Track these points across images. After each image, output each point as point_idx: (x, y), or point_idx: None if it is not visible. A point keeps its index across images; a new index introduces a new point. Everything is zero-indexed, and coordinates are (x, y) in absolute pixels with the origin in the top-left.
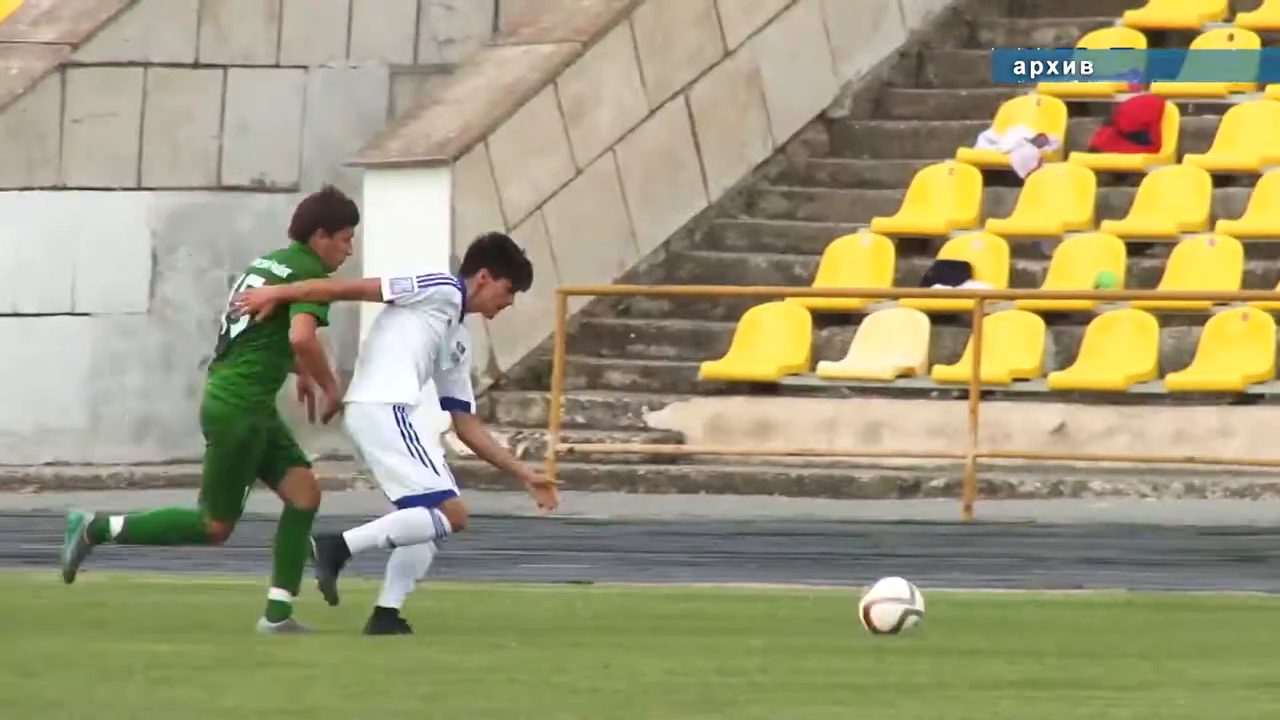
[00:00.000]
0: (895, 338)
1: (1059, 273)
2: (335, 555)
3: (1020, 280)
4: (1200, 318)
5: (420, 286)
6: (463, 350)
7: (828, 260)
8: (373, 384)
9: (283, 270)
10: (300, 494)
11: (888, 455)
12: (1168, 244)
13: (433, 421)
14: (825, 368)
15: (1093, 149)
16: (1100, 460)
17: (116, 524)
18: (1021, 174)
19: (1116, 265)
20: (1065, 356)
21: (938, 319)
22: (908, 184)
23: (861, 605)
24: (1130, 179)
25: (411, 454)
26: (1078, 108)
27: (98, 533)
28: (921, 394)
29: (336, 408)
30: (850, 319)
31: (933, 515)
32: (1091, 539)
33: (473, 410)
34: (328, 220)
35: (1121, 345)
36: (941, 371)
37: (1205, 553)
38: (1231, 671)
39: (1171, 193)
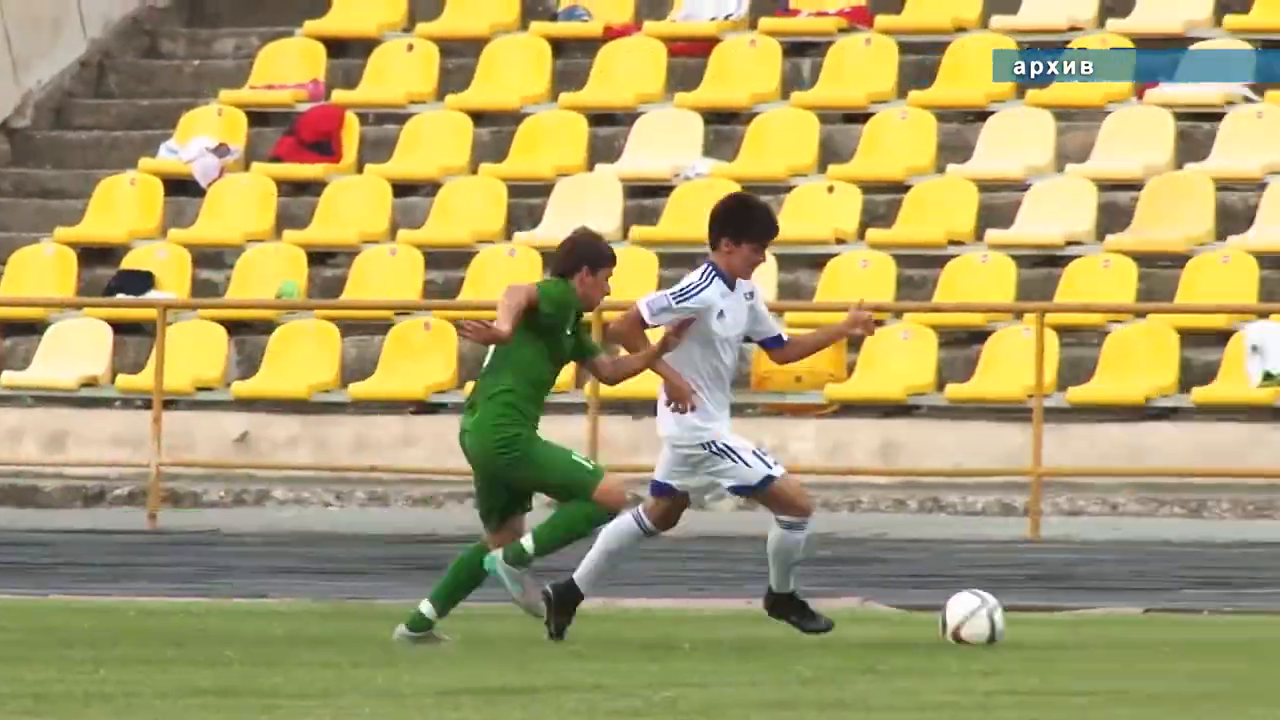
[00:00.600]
0: (79, 347)
1: (241, 282)
2: (567, 599)
3: (203, 290)
4: (382, 327)
5: (678, 302)
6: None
7: (11, 270)
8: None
9: (549, 307)
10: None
11: (72, 464)
12: (349, 253)
13: None
14: (9, 377)
15: (274, 159)
16: (283, 469)
17: (528, 544)
18: (203, 184)
19: (298, 275)
20: (249, 365)
21: (121, 328)
22: (90, 194)
23: (949, 634)
24: (312, 189)
25: (729, 458)
26: (259, 118)
27: (518, 559)
28: (106, 403)
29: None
30: (34, 328)
31: (118, 524)
32: (276, 547)
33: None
34: (592, 260)
35: (304, 354)
36: (125, 381)
37: (389, 561)
38: (418, 679)
39: (352, 202)
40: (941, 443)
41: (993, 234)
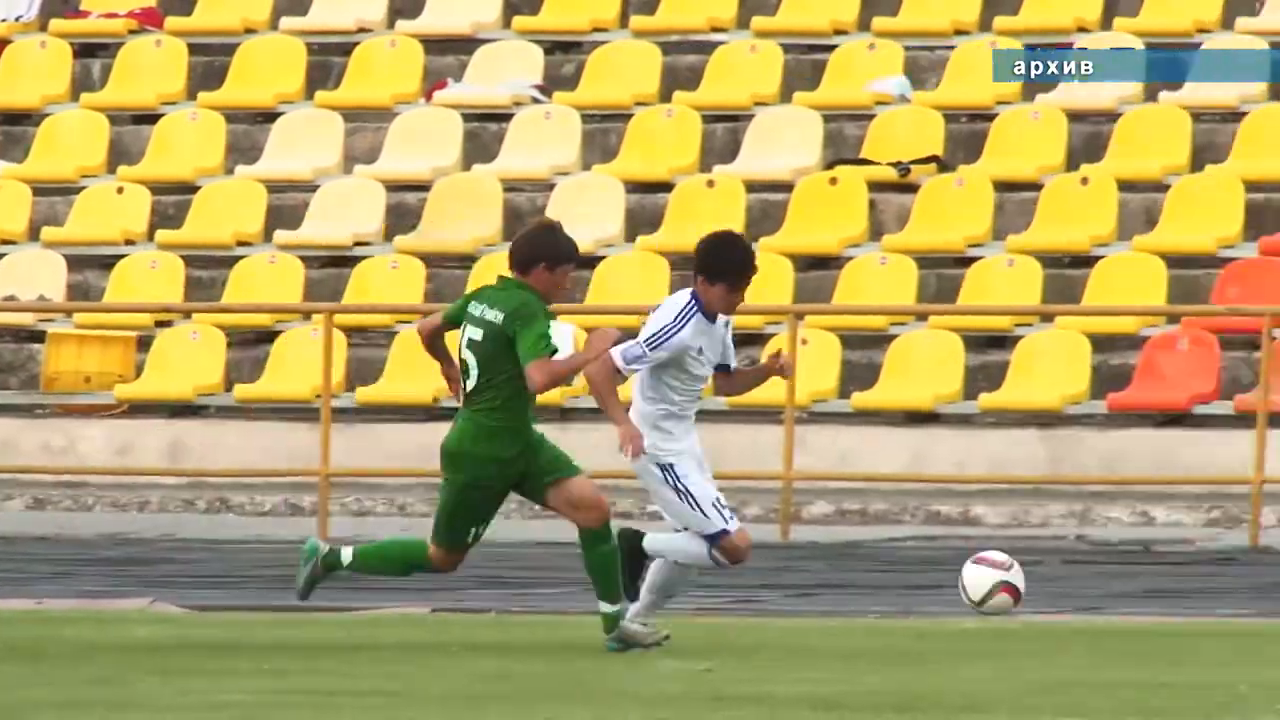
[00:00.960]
0: None
1: None
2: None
3: None
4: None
5: (652, 349)
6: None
7: None
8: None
9: (496, 315)
10: (576, 513)
11: None
12: None
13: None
14: None
15: None
16: None
17: (347, 554)
18: None
19: None
20: None
21: None
22: None
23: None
24: None
25: (686, 503)
26: None
27: (330, 564)
28: None
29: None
30: None
31: None
32: None
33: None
34: (550, 256)
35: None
36: None
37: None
38: None
39: None
40: (230, 443)
41: (281, 235)
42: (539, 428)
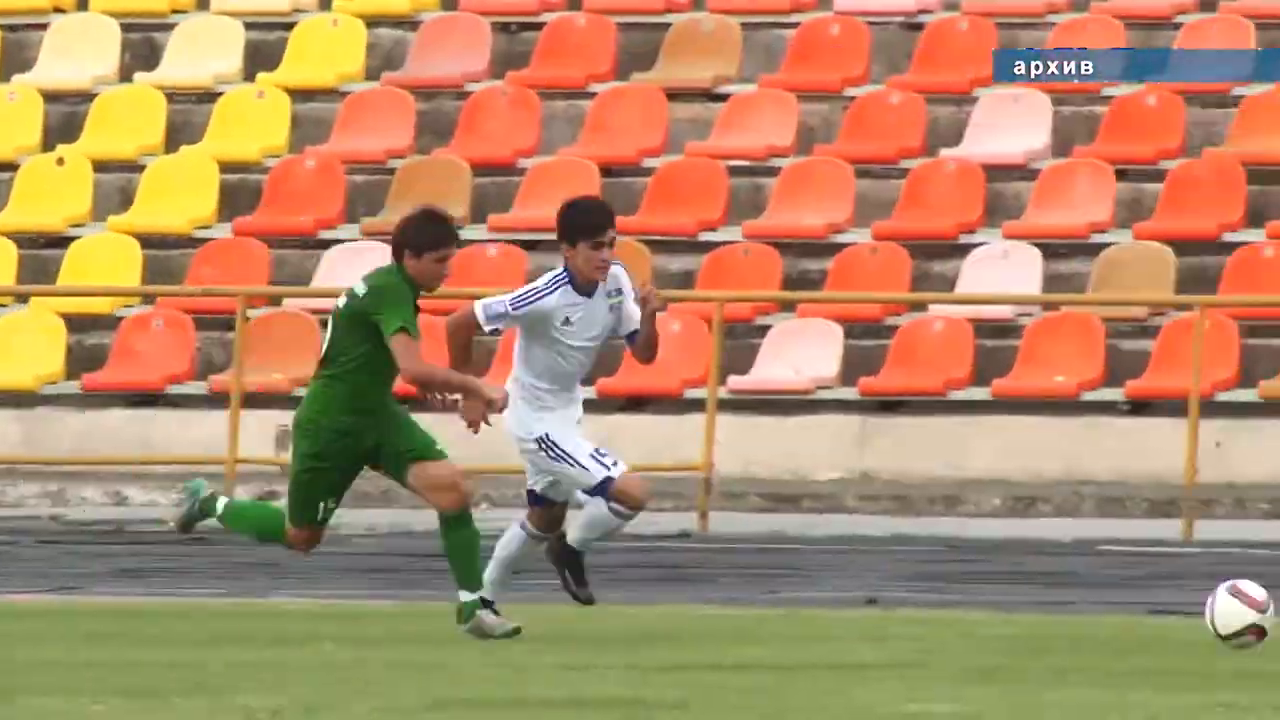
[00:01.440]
0: None
1: None
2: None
3: None
4: None
5: (515, 309)
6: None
7: None
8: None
9: (361, 288)
10: (437, 495)
11: None
12: None
13: None
14: None
15: None
16: None
17: (220, 505)
18: None
19: None
20: None
21: None
22: None
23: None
24: None
25: (565, 464)
26: None
27: (207, 508)
28: None
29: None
30: None
31: None
32: None
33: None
34: (413, 244)
35: None
36: None
37: None
38: None
39: None
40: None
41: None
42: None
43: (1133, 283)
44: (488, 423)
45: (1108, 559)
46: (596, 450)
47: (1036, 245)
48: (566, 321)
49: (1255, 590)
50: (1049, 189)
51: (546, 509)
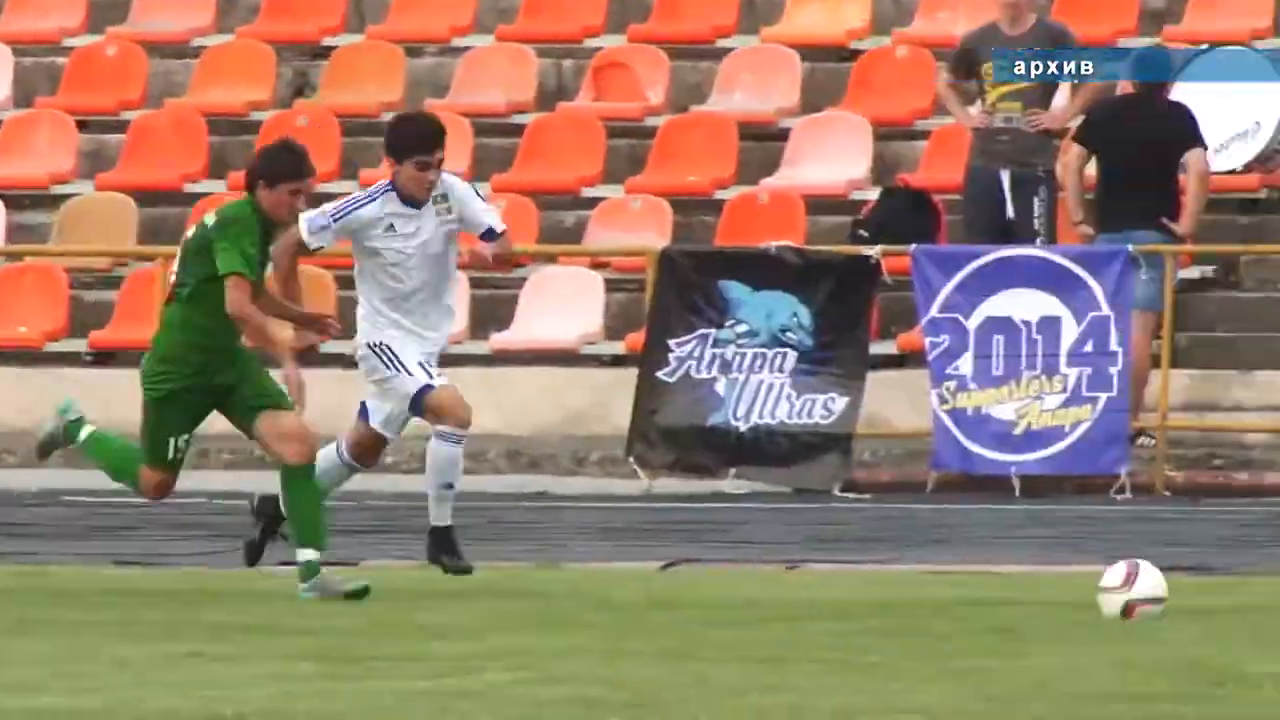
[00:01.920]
0: None
1: None
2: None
3: None
4: None
5: (336, 220)
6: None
7: None
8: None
9: (211, 218)
10: (282, 445)
11: None
12: None
13: None
14: None
15: None
16: None
17: (84, 432)
18: None
19: None
20: None
21: None
22: None
23: (1123, 602)
24: None
25: (392, 369)
26: None
27: (70, 433)
28: None
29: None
30: None
31: None
32: None
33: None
34: (267, 174)
35: None
36: None
37: None
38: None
39: None
40: None
41: None
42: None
43: (95, 234)
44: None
45: (73, 509)
46: (425, 361)
47: None
48: (391, 229)
49: (1110, 576)
50: (10, 140)
51: (368, 430)
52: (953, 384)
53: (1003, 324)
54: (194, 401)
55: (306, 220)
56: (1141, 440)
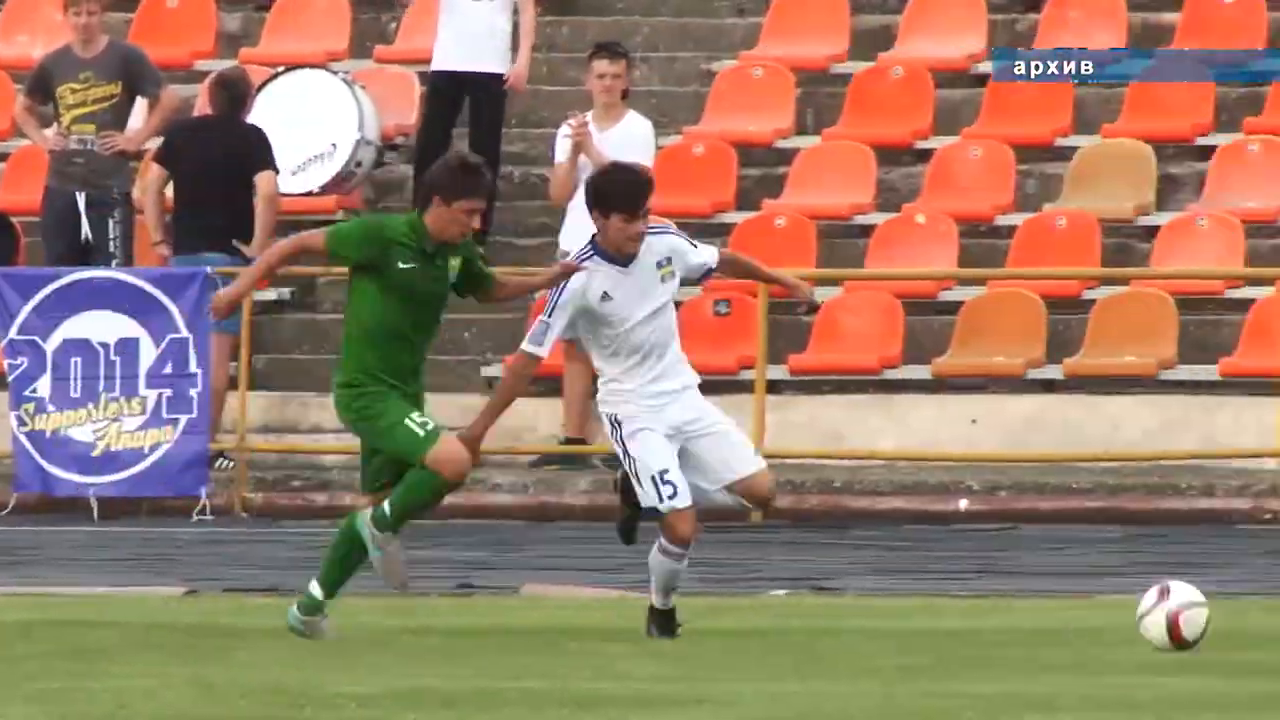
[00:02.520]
0: None
1: None
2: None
3: None
4: None
5: (552, 315)
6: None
7: None
8: None
9: None
10: (438, 466)
11: None
12: None
13: None
14: None
15: None
16: None
17: (385, 506)
18: None
19: None
20: None
21: None
22: None
23: (1165, 615)
24: None
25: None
26: None
27: (378, 520)
28: None
29: None
30: None
31: None
32: None
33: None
34: (446, 190)
35: None
36: None
37: None
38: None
39: None
40: None
41: None
42: None
43: None
44: None
45: None
46: (664, 472)
47: None
48: (607, 297)
49: (1146, 600)
50: None
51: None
52: (31, 406)
53: (81, 346)
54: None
55: (529, 338)
56: (221, 462)
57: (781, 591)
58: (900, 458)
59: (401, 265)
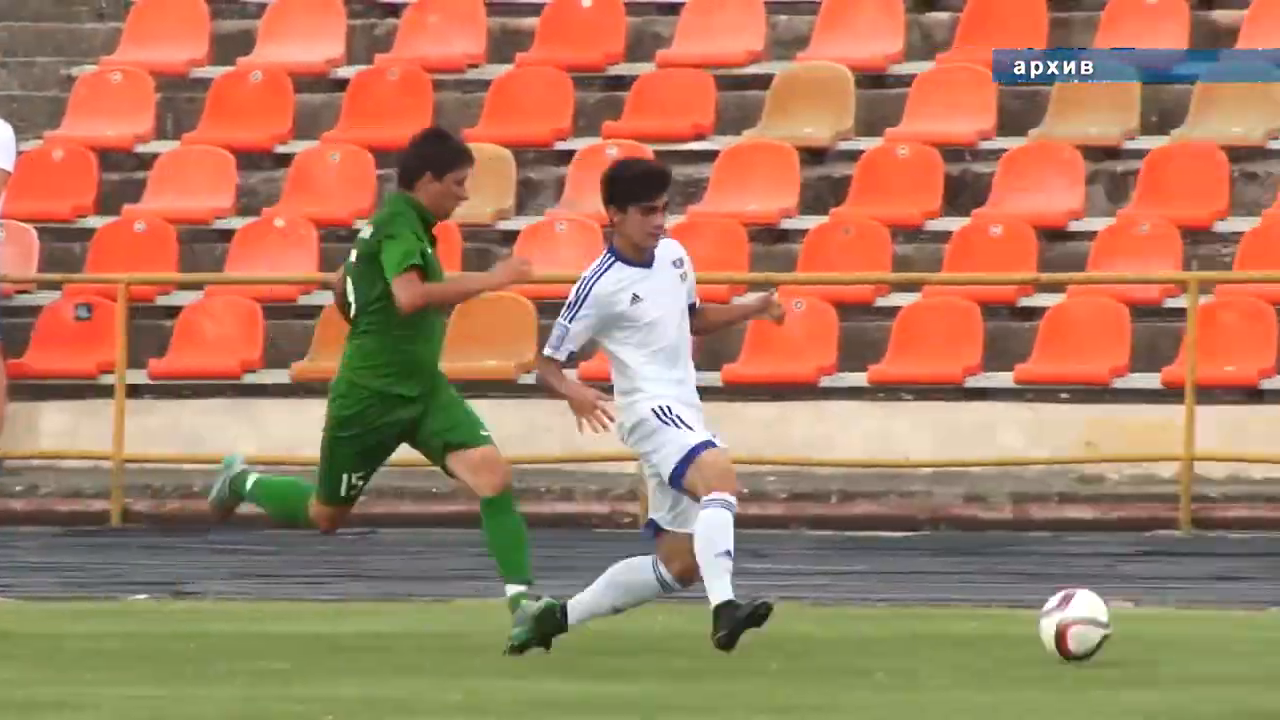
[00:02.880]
0: None
1: None
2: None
3: None
4: None
5: (572, 320)
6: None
7: None
8: None
9: (368, 230)
10: (476, 478)
11: None
12: None
13: None
14: None
15: None
16: None
17: (250, 480)
18: None
19: None
20: None
21: None
22: None
23: (1055, 624)
24: None
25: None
26: None
27: (236, 485)
28: None
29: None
30: None
31: None
32: None
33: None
34: (435, 165)
35: None
36: None
37: None
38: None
39: None
40: None
41: None
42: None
43: None
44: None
45: None
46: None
47: None
48: (637, 299)
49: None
50: None
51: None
52: None
53: None
54: (381, 438)
55: (550, 342)
56: None
57: (142, 596)
58: (261, 461)
59: (430, 250)
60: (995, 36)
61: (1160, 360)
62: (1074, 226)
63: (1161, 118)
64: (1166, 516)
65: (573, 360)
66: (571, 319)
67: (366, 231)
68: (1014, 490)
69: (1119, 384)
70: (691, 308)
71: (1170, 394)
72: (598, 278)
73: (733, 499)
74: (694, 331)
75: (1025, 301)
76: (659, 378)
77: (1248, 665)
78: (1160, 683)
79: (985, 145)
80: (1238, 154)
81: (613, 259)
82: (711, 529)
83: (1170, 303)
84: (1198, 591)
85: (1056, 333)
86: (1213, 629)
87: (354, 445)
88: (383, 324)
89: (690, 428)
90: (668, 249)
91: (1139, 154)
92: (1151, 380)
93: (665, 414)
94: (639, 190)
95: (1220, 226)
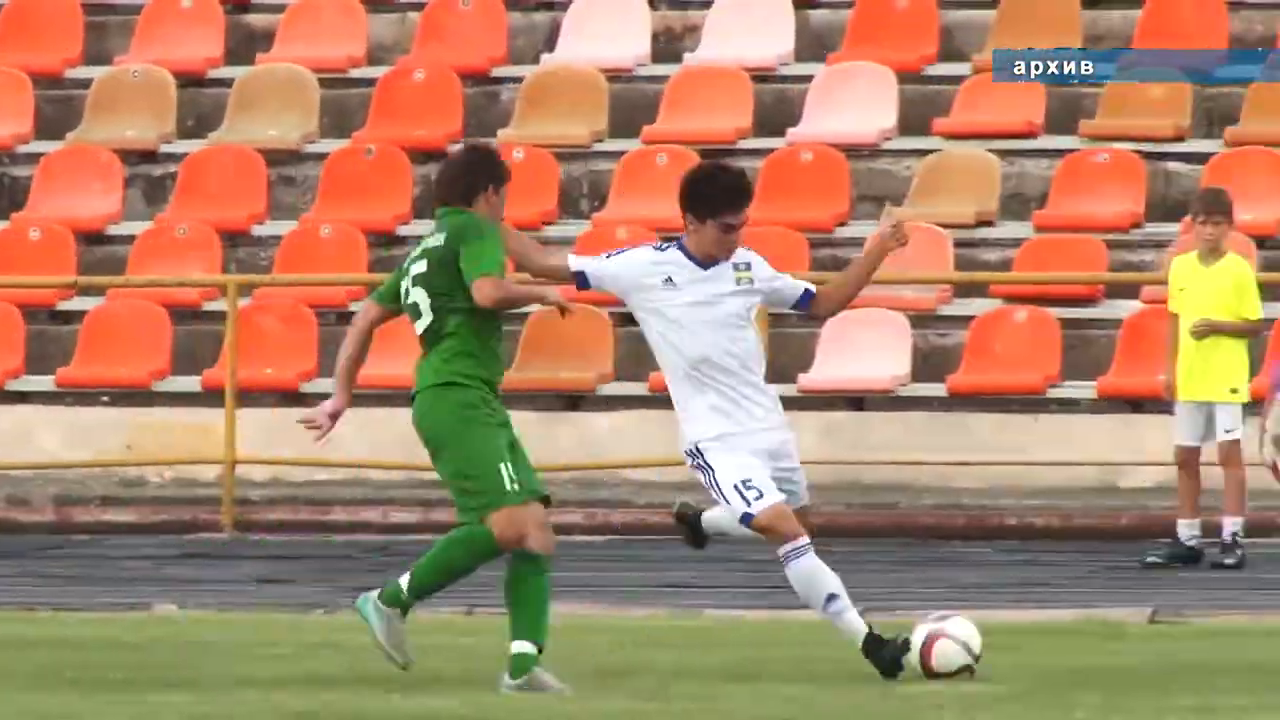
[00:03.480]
0: None
1: None
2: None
3: None
4: None
5: (607, 256)
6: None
7: None
8: None
9: (439, 238)
10: (540, 532)
11: None
12: None
13: None
14: None
15: None
16: None
17: (404, 581)
18: None
19: None
20: None
21: None
22: None
23: (926, 632)
24: None
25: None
26: None
27: (390, 598)
28: None
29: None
30: None
31: None
32: None
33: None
34: (495, 178)
35: None
36: None
37: None
38: None
39: None
40: None
41: None
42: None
43: None
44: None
45: None
46: (748, 480)
47: None
48: (669, 281)
49: (968, 631)
50: None
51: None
52: None
53: None
54: (499, 416)
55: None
56: None
57: None
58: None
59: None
60: None
61: (201, 363)
62: (112, 230)
63: (199, 121)
64: (209, 519)
65: (584, 286)
66: (609, 255)
67: (437, 240)
68: (56, 493)
69: (160, 387)
70: (807, 295)
71: (212, 397)
72: (651, 248)
73: (802, 542)
74: (828, 313)
75: (65, 305)
76: (689, 402)
77: (289, 667)
78: (202, 685)
79: (22, 149)
80: (275, 158)
81: (674, 247)
82: (801, 585)
83: (210, 305)
84: (240, 594)
85: (97, 336)
86: (255, 632)
87: (486, 434)
88: (467, 323)
89: (722, 493)
90: (735, 254)
91: (177, 157)
92: (193, 383)
93: (697, 457)
94: (722, 206)
95: (258, 230)
